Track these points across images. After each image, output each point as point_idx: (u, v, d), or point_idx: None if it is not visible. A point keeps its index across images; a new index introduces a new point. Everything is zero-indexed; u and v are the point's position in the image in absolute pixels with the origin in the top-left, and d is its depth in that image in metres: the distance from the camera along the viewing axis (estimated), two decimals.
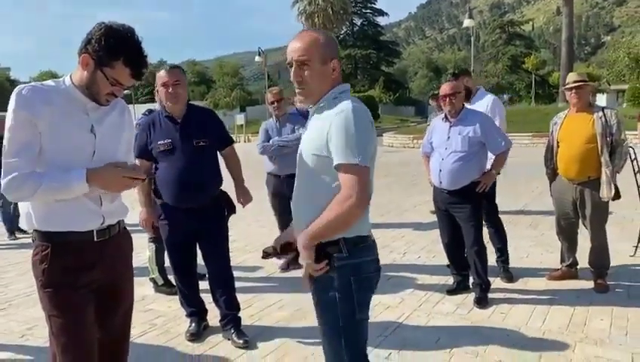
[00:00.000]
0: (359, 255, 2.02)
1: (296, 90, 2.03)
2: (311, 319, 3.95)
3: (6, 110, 1.98)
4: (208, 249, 3.68)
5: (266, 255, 2.19)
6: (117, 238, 2.24)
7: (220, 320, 3.77)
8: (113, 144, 2.16)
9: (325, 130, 1.92)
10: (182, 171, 3.48)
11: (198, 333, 3.76)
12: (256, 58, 33.83)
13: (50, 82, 2.06)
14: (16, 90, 1.97)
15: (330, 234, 1.93)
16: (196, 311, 3.84)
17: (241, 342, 3.59)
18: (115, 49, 1.94)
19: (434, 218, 4.73)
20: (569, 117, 4.37)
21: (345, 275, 1.99)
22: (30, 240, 2.21)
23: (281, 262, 5.27)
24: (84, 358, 2.08)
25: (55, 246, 2.05)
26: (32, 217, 2.06)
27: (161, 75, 3.47)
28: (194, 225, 3.57)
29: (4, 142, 1.96)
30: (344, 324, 2.02)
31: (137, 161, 3.51)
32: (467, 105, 4.73)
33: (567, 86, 4.31)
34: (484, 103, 5.03)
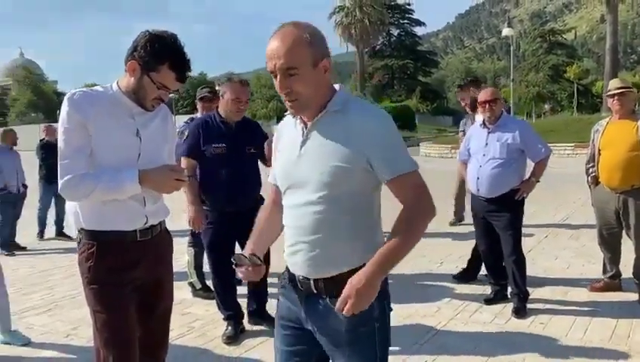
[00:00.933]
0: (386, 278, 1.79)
1: (287, 104, 1.68)
2: None
3: (54, 120, 2.08)
4: None
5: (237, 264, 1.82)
6: (159, 238, 2.31)
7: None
8: (157, 148, 2.24)
9: (356, 141, 1.63)
10: (235, 175, 3.65)
11: (235, 336, 3.82)
12: None
13: (98, 88, 2.17)
14: (67, 95, 2.08)
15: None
16: (233, 314, 3.90)
17: None
18: (160, 54, 2.02)
19: (472, 228, 4.68)
20: (611, 124, 4.27)
21: (381, 301, 1.74)
22: (75, 245, 2.31)
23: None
24: (125, 353, 2.15)
25: (100, 244, 2.13)
26: (79, 216, 2.15)
27: (237, 90, 3.65)
28: (238, 229, 3.65)
29: (59, 144, 2.07)
30: (381, 355, 1.77)
31: (184, 160, 3.68)
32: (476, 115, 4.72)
33: (609, 93, 4.22)
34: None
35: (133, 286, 2.20)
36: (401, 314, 4.15)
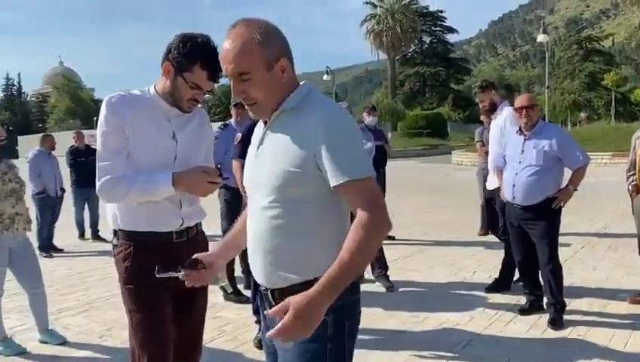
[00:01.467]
0: (357, 291, 1.61)
1: (247, 107, 1.59)
2: (376, 332, 3.92)
3: (91, 127, 2.12)
4: None
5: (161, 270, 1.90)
6: (194, 240, 2.30)
7: None
8: (194, 150, 2.25)
9: (306, 141, 1.49)
10: None
11: None
12: (324, 77, 34.35)
13: (135, 91, 2.20)
14: (106, 98, 2.12)
15: (352, 278, 1.45)
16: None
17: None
18: (191, 54, 2.04)
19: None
20: None
21: (340, 319, 1.55)
22: (109, 247, 2.35)
23: None
24: (160, 353, 2.17)
25: (137, 245, 2.16)
26: (117, 217, 2.19)
27: None
28: None
29: (98, 147, 2.12)
30: None
31: (235, 162, 3.96)
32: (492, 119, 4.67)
33: None
34: (499, 120, 4.85)
35: (168, 287, 2.19)
36: (434, 323, 4.10)
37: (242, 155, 3.84)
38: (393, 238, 7.02)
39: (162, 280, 2.17)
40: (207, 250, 2.29)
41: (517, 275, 4.78)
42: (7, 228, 3.76)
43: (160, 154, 2.14)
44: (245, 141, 3.85)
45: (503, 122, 4.77)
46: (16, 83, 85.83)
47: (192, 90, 2.10)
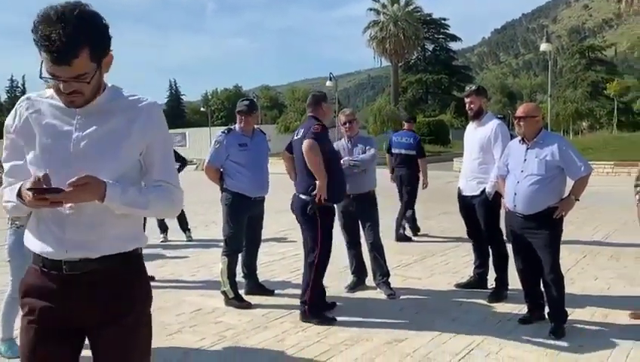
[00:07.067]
0: None
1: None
2: (376, 340, 3.92)
3: None
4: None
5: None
6: (98, 277, 1.78)
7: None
8: (98, 153, 1.76)
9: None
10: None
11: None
12: (327, 83, 34.34)
13: (45, 91, 1.86)
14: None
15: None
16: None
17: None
18: (33, 33, 1.60)
19: (508, 246, 4.60)
20: None
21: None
22: None
23: (348, 282, 5.28)
24: None
25: (29, 267, 1.86)
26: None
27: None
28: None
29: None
30: None
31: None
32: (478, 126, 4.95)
33: None
34: (488, 128, 4.95)
35: (57, 327, 1.79)
36: (435, 332, 4.09)
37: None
38: (410, 239, 7.82)
39: (46, 318, 1.78)
40: (135, 293, 1.87)
41: (492, 282, 5.00)
42: (23, 224, 3.70)
43: (53, 158, 1.75)
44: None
45: (491, 131, 4.90)
46: (20, 85, 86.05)
47: (54, 81, 1.67)
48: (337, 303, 4.76)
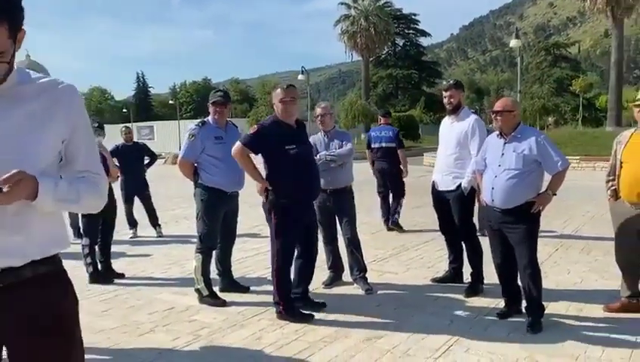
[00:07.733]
0: None
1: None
2: (355, 336, 3.87)
3: None
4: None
5: None
6: (20, 287, 1.58)
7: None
8: (13, 140, 1.54)
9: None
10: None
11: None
12: (299, 77, 34.16)
13: None
14: None
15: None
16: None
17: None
18: None
19: (485, 239, 4.60)
20: (635, 136, 4.17)
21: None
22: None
23: (325, 278, 5.21)
24: None
25: None
26: None
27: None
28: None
29: None
30: None
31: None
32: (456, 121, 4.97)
33: (636, 102, 4.13)
34: (466, 123, 4.97)
35: None
36: (413, 328, 4.05)
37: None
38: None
39: None
40: (53, 309, 1.63)
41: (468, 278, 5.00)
42: None
43: None
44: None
45: (468, 126, 4.90)
46: None
47: None
48: (314, 300, 4.67)
